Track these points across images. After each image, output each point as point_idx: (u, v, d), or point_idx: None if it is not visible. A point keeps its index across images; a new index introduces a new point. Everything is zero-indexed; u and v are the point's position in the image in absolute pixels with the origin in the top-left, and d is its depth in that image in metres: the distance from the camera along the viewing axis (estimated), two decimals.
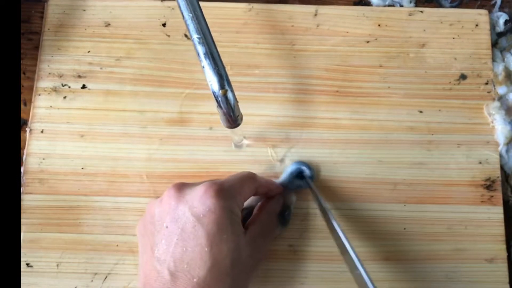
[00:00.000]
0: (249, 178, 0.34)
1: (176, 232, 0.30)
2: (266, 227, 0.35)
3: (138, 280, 0.31)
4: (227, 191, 0.31)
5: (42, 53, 0.42)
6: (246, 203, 0.37)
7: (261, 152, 0.40)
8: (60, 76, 0.42)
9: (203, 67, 0.32)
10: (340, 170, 0.40)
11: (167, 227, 0.30)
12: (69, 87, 0.41)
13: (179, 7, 0.34)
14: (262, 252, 0.34)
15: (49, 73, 0.42)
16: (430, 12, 0.43)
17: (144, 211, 0.35)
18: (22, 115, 0.41)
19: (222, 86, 0.31)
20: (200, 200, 0.30)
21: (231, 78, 0.32)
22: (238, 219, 0.31)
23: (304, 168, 0.39)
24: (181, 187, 0.31)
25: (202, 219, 0.29)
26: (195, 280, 0.28)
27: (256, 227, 0.34)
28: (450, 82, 0.42)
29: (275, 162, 0.40)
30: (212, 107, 0.35)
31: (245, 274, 0.31)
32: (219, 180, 0.32)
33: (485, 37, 0.43)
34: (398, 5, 0.44)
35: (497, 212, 0.39)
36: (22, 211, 0.38)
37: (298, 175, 0.39)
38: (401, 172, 0.40)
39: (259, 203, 0.37)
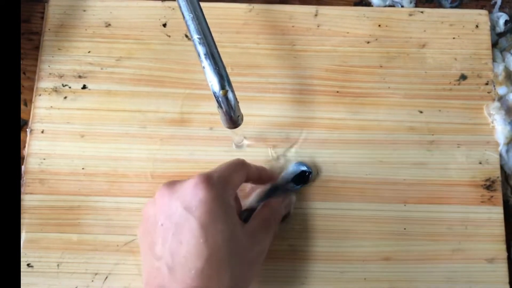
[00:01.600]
0: (238, 164, 0.34)
1: (171, 228, 0.30)
2: (268, 221, 0.35)
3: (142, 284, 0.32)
4: (216, 181, 0.31)
5: (43, 54, 0.42)
6: (247, 204, 0.37)
7: (261, 152, 0.40)
8: (61, 76, 0.42)
9: (204, 67, 0.32)
10: (340, 170, 0.40)
11: (162, 224, 0.30)
12: (70, 87, 0.41)
13: (180, 7, 0.34)
14: (263, 245, 0.34)
15: (50, 74, 0.42)
16: (430, 12, 0.43)
17: None
18: (23, 116, 0.41)
19: (222, 87, 0.31)
20: (191, 194, 0.30)
21: (231, 79, 0.32)
22: (232, 209, 0.31)
23: (304, 169, 0.39)
24: (172, 184, 0.31)
25: (195, 212, 0.29)
26: (193, 272, 0.28)
27: (257, 221, 0.34)
28: (450, 83, 0.42)
29: (275, 162, 0.40)
30: (212, 107, 0.35)
31: (246, 265, 0.31)
32: (207, 172, 0.32)
33: (485, 38, 0.43)
34: (399, 5, 0.44)
35: (497, 212, 0.39)
36: (22, 211, 0.38)
37: (296, 178, 0.39)
38: (401, 172, 0.40)
39: (262, 202, 0.37)
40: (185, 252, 0.29)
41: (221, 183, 0.31)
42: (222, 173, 0.32)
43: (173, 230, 0.30)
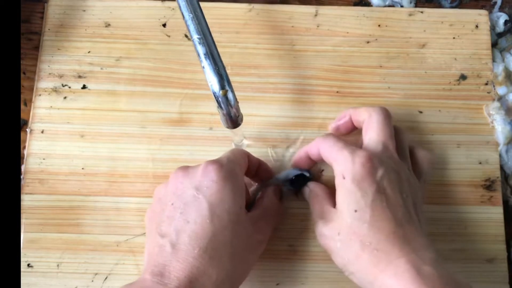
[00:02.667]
0: (239, 151, 0.35)
1: (180, 207, 0.31)
2: (267, 210, 0.35)
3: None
4: (226, 162, 0.32)
5: (42, 53, 0.42)
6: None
7: (261, 152, 0.40)
8: (60, 76, 0.42)
9: (204, 67, 0.32)
10: None
11: (172, 204, 0.31)
12: (69, 87, 0.41)
13: (180, 7, 0.34)
14: (264, 234, 0.34)
15: (50, 74, 0.42)
16: (430, 12, 0.43)
17: (145, 211, 0.35)
18: (23, 115, 0.41)
19: (222, 87, 0.31)
20: (202, 174, 0.31)
21: (231, 79, 0.32)
22: (241, 190, 0.32)
23: (300, 173, 0.38)
24: (186, 168, 0.33)
25: (205, 191, 0.30)
26: (196, 251, 0.29)
27: (258, 210, 0.35)
28: (450, 83, 0.42)
29: (275, 162, 0.40)
30: (212, 107, 0.35)
31: (246, 251, 0.32)
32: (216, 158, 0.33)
33: (485, 38, 0.43)
34: (398, 5, 0.44)
35: (497, 212, 0.39)
36: (22, 211, 0.38)
37: (294, 180, 0.38)
38: None
39: (260, 193, 0.37)
40: (190, 231, 0.29)
41: (231, 164, 0.32)
42: (229, 156, 0.33)
43: (181, 209, 0.30)
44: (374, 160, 0.31)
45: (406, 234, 0.30)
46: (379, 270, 0.29)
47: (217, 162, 0.32)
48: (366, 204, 0.30)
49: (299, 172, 0.38)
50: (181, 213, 0.30)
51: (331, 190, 0.35)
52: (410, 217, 0.31)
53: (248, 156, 0.36)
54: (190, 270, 0.28)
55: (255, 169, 0.37)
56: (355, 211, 0.30)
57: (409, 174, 0.34)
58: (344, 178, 0.31)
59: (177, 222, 0.30)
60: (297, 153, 0.38)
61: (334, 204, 0.33)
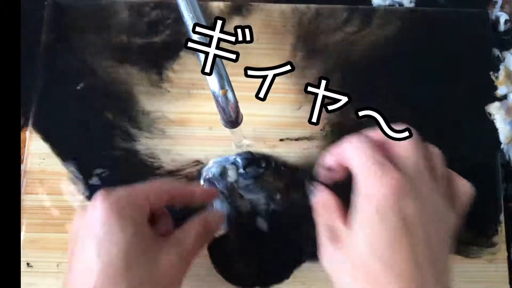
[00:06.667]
0: (158, 181, 0.33)
1: (73, 248, 0.30)
2: (182, 233, 0.32)
3: None
4: (116, 193, 0.30)
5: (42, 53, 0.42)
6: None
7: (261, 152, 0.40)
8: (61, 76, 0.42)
9: None
10: None
11: (70, 248, 0.31)
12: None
13: (179, 7, 0.34)
14: (180, 256, 0.31)
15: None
16: (430, 12, 0.43)
17: None
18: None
19: (222, 86, 0.31)
20: (90, 210, 0.30)
21: (231, 78, 0.32)
22: (131, 220, 0.30)
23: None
24: (83, 210, 0.31)
25: (91, 226, 0.29)
26: None
27: (166, 235, 0.32)
28: (450, 82, 0.42)
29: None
30: (212, 107, 0.35)
31: (154, 274, 0.29)
32: (109, 189, 0.31)
33: (485, 37, 0.43)
34: (398, 5, 0.44)
35: None
36: (22, 211, 0.38)
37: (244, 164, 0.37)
38: None
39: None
40: (84, 268, 0.29)
41: (122, 195, 0.31)
42: (129, 188, 0.31)
43: (73, 251, 0.30)
44: (404, 187, 0.27)
45: (424, 281, 0.26)
46: None
47: (104, 194, 0.30)
48: (385, 240, 0.26)
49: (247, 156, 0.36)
50: (74, 253, 0.30)
51: (342, 202, 0.31)
52: (433, 260, 0.27)
53: (172, 183, 0.34)
54: None
55: (184, 196, 0.34)
56: (372, 244, 0.27)
57: (441, 203, 0.29)
58: (367, 201, 0.27)
59: (72, 261, 0.30)
60: (321, 162, 0.32)
61: (345, 220, 0.29)
